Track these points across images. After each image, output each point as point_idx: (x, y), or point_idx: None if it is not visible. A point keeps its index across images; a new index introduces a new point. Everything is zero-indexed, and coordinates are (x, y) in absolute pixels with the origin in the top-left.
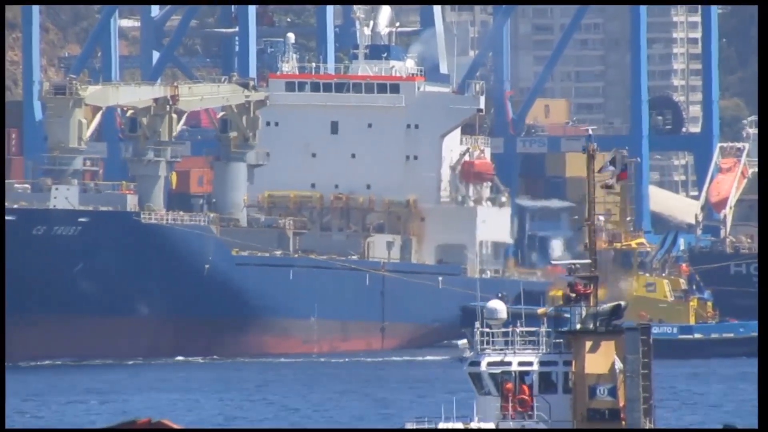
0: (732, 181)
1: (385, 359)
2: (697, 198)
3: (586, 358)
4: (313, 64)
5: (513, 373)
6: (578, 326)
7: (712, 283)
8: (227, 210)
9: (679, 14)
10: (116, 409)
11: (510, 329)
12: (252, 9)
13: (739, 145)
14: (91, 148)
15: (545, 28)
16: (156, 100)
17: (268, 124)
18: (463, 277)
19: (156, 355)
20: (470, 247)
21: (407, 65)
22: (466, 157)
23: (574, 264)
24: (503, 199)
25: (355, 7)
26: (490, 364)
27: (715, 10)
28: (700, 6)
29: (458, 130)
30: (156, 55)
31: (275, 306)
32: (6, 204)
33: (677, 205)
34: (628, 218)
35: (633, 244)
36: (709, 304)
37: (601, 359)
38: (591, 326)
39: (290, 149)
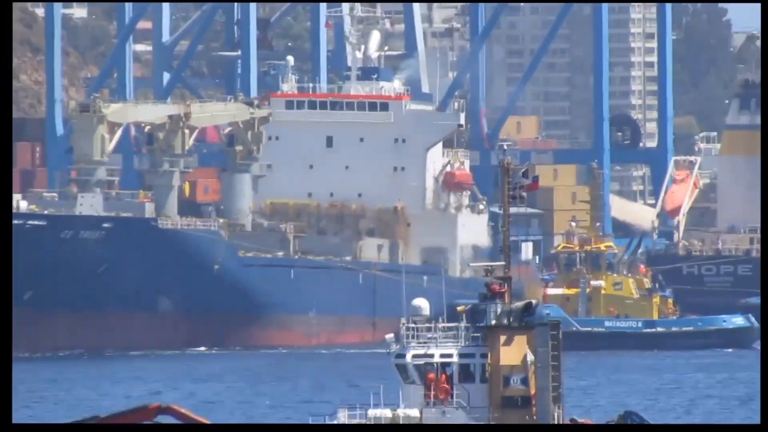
0: (685, 191)
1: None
2: (653, 206)
3: (500, 351)
4: (311, 85)
5: (435, 364)
6: (494, 322)
7: (667, 282)
8: (234, 216)
9: (636, 41)
10: (130, 395)
11: (433, 324)
12: (253, 34)
13: (692, 158)
14: (108, 160)
15: (517, 53)
16: (171, 116)
17: (270, 138)
18: (445, 276)
19: (171, 346)
20: (451, 250)
21: (395, 85)
22: (448, 169)
23: (490, 266)
24: (481, 206)
25: (347, 32)
26: (414, 356)
27: (670, 37)
28: (656, 33)
29: (440, 144)
30: (166, 77)
31: (278, 302)
32: (36, 210)
33: (636, 212)
34: (597, 224)
35: (602, 246)
36: (670, 301)
37: (514, 352)
38: (505, 322)
39: (290, 161)
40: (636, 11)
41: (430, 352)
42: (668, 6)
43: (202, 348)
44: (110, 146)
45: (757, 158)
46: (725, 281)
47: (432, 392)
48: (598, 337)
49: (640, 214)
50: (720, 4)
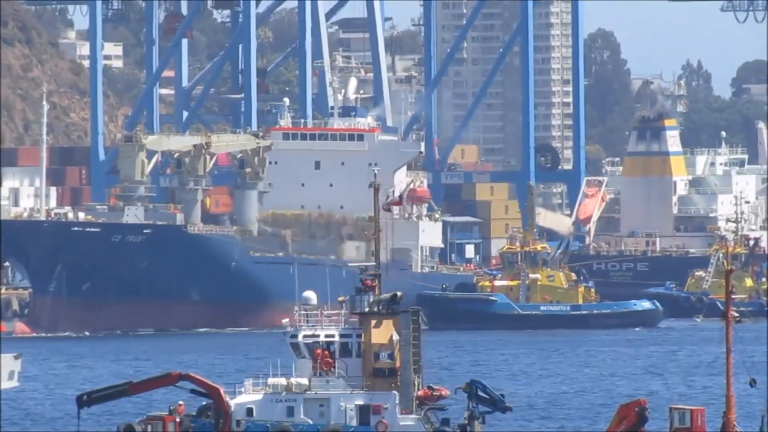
0: (595, 204)
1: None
2: (570, 215)
3: (372, 332)
4: (302, 120)
5: (321, 343)
6: (367, 309)
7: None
8: (244, 224)
9: (556, 85)
10: (160, 366)
11: (319, 311)
12: (253, 80)
13: (600, 178)
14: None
15: (462, 95)
16: (195, 146)
17: (271, 162)
18: (410, 271)
19: (197, 327)
20: (414, 250)
21: (368, 121)
22: (411, 186)
23: (364, 265)
24: (436, 215)
25: (330, 79)
26: (305, 336)
27: (582, 82)
28: (571, 79)
29: (405, 167)
30: (185, 114)
31: (281, 292)
32: (91, 219)
33: (556, 221)
34: (535, 230)
35: (538, 247)
36: (593, 290)
37: (383, 333)
38: (376, 309)
39: (287, 180)
40: (555, 62)
41: (317, 333)
42: (581, 58)
43: (230, 329)
44: (148, 169)
45: (650, 178)
46: (626, 275)
47: (318, 365)
48: (536, 319)
49: (560, 222)
50: (621, 56)
